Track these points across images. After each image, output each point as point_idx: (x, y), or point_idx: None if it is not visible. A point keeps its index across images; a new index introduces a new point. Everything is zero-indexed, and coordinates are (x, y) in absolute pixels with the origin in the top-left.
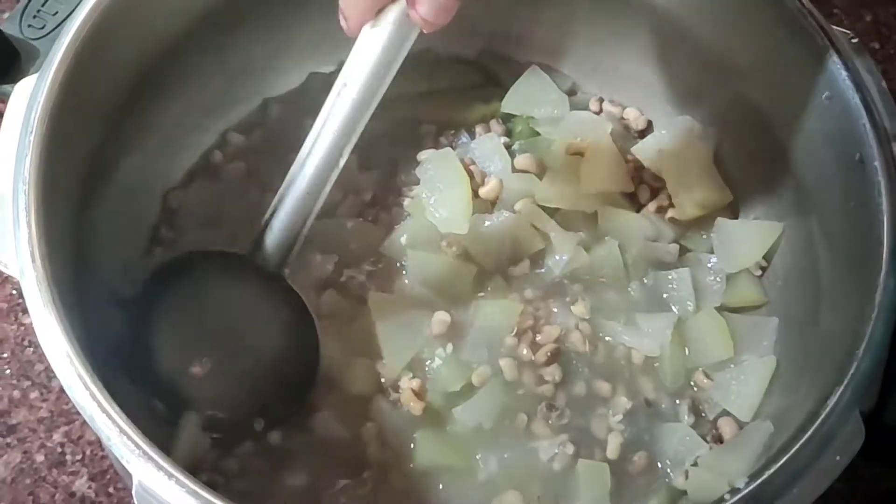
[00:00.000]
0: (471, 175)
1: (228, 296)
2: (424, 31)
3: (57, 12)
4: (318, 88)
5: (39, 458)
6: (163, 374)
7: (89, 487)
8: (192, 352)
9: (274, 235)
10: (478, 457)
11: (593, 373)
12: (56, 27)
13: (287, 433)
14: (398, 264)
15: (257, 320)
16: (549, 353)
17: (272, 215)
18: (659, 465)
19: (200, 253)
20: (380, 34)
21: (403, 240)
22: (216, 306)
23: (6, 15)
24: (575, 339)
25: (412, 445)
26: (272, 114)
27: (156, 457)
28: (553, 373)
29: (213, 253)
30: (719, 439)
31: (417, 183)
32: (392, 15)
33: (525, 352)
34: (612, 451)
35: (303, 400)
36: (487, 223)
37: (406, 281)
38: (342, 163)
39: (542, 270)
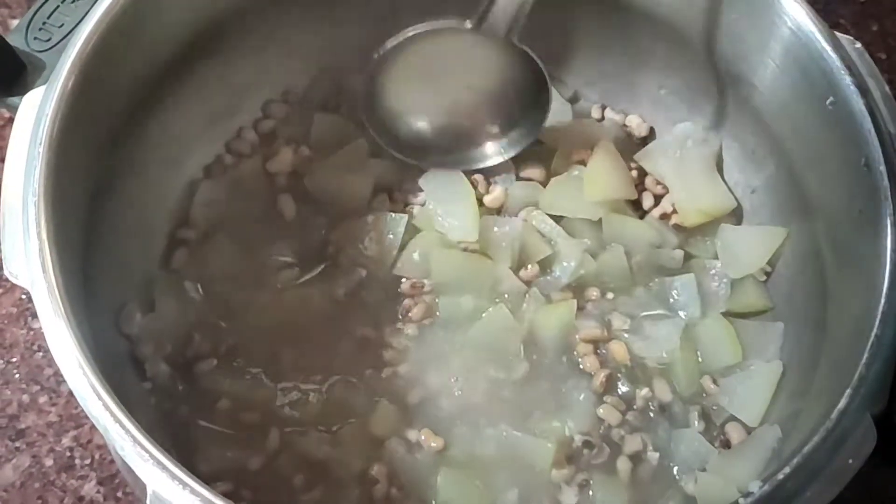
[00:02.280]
0: (475, 184)
1: (461, 60)
2: None
3: (63, 24)
4: (329, 82)
5: (48, 462)
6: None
7: (98, 491)
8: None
9: (501, 5)
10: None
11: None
12: (62, 39)
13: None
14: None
15: (488, 78)
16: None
17: None
18: (672, 470)
19: (421, 32)
20: None
21: (416, 256)
22: (449, 70)
23: (13, 26)
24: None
25: (434, 485)
26: (280, 113)
27: (170, 466)
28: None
29: (436, 29)
30: (727, 444)
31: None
32: None
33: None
34: (628, 454)
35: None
36: (496, 228)
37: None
38: None
39: (550, 277)
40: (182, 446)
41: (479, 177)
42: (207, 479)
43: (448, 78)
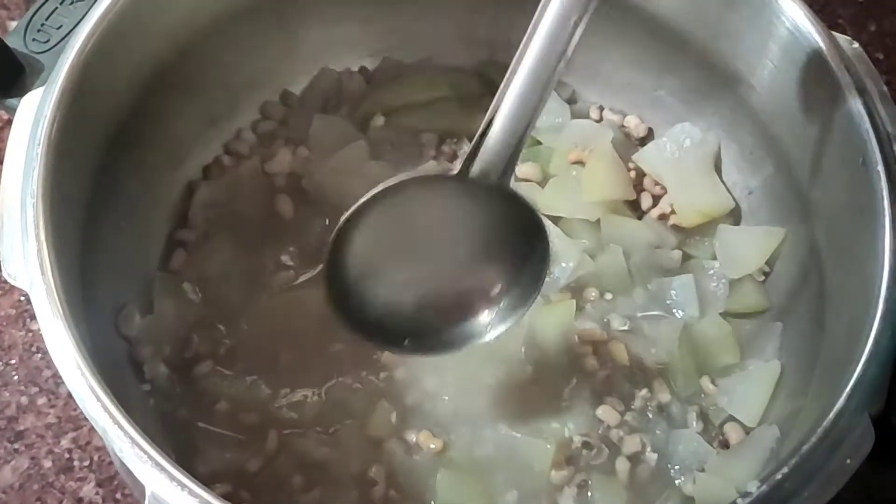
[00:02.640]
0: None
1: (447, 218)
2: None
3: (61, 26)
4: (328, 84)
5: (47, 463)
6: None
7: (97, 493)
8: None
9: (494, 146)
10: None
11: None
12: (60, 41)
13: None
14: None
15: (482, 235)
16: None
17: (487, 127)
18: (670, 471)
19: (401, 183)
20: None
21: None
22: (433, 230)
23: (11, 27)
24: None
25: (433, 486)
26: (279, 114)
27: (169, 468)
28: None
29: (417, 178)
30: (725, 445)
31: None
32: None
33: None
34: (627, 455)
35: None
36: None
37: None
38: (559, 69)
39: (548, 278)
40: (181, 448)
41: None
42: (206, 481)
43: (430, 238)
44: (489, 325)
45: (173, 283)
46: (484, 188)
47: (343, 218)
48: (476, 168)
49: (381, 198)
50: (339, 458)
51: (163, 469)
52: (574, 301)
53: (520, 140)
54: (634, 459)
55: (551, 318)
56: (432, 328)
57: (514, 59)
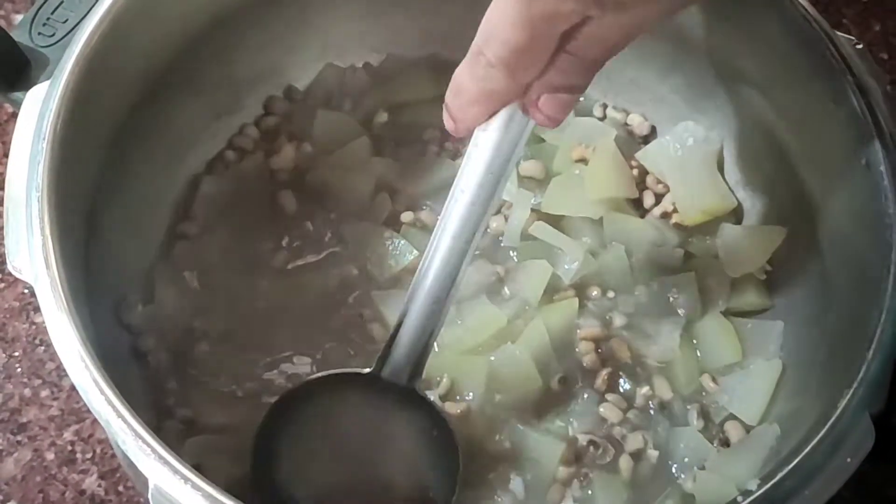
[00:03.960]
0: None
1: (360, 416)
2: (550, 128)
3: (67, 20)
4: (332, 79)
5: (50, 455)
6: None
7: (99, 485)
8: (329, 478)
9: (402, 350)
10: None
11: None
12: (66, 35)
13: None
14: None
15: (395, 437)
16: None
17: (398, 330)
18: (671, 468)
19: (321, 378)
20: (492, 137)
21: None
22: (348, 428)
23: (17, 21)
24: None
25: None
26: (283, 110)
27: (172, 460)
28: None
29: (335, 375)
30: (726, 443)
31: (423, 195)
32: (504, 116)
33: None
34: (630, 452)
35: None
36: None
37: None
38: (463, 269)
39: (552, 278)
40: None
41: None
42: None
43: (348, 438)
44: None
45: (174, 272)
46: (395, 389)
47: (266, 413)
48: (386, 370)
49: (301, 392)
50: None
51: (166, 462)
52: (577, 299)
53: (425, 346)
54: (636, 457)
55: (554, 315)
56: None
57: (420, 267)
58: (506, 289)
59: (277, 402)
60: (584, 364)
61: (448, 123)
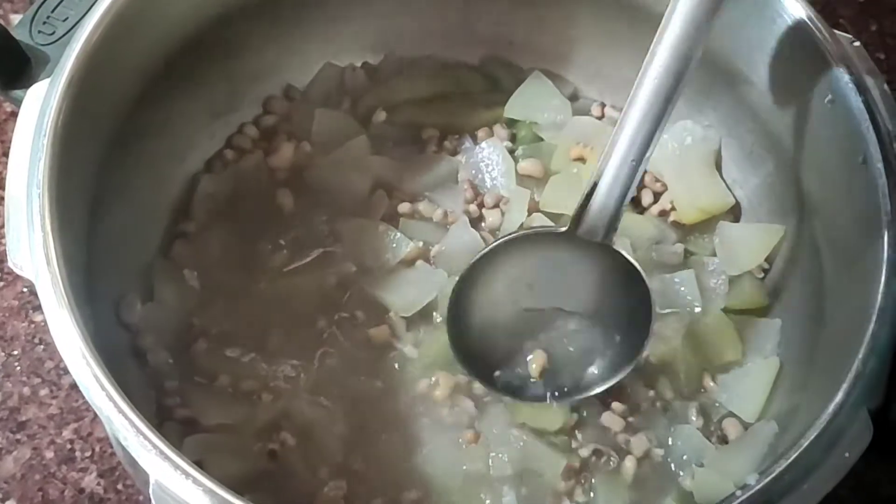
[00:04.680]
0: (476, 191)
1: (558, 271)
2: None
3: (67, 18)
4: (331, 79)
5: (49, 454)
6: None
7: (98, 484)
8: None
9: (597, 208)
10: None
11: None
12: (66, 33)
13: None
14: None
15: (589, 290)
16: None
17: (592, 189)
18: (670, 466)
19: (517, 237)
20: None
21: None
22: (546, 283)
23: (17, 20)
24: None
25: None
26: (282, 109)
27: (173, 456)
28: None
29: (532, 234)
30: (724, 440)
31: (420, 193)
32: None
33: None
34: (636, 456)
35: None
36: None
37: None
38: (660, 131)
39: None
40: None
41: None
42: None
43: (540, 290)
44: (601, 375)
45: (173, 270)
46: (590, 245)
47: (466, 268)
48: (583, 227)
49: (497, 250)
50: None
51: (167, 458)
52: None
53: (620, 204)
54: (640, 459)
55: None
56: (550, 375)
57: (619, 120)
58: None
59: (475, 261)
60: None
61: None
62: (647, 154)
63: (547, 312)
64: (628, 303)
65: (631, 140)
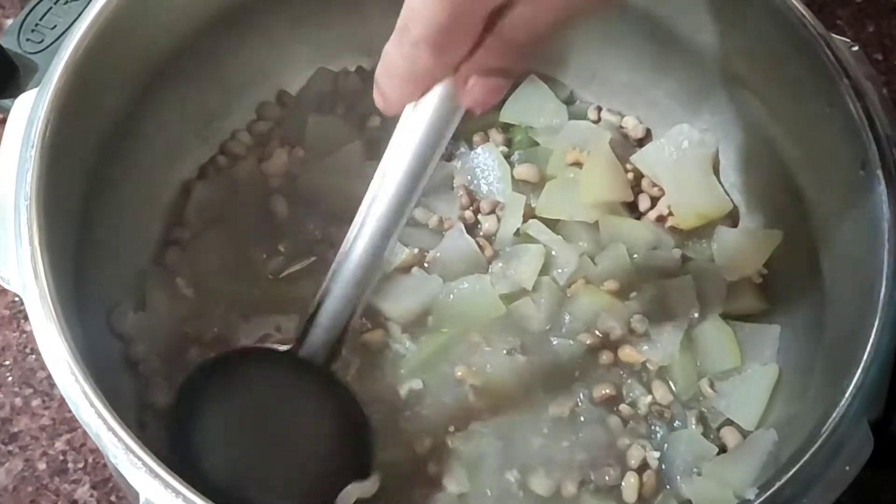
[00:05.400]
0: (471, 197)
1: (275, 393)
2: (477, 113)
3: (55, 26)
4: (324, 84)
5: (41, 465)
6: (211, 475)
7: (91, 496)
8: (240, 452)
9: (321, 330)
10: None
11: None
12: (54, 41)
13: None
14: None
15: (307, 417)
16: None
17: (317, 309)
18: (668, 473)
19: (241, 351)
20: (423, 116)
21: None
22: (263, 404)
23: (5, 27)
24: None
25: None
26: (274, 115)
27: (163, 474)
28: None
29: (254, 350)
30: (723, 448)
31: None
32: (436, 94)
33: None
34: (633, 468)
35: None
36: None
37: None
38: (387, 253)
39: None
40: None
41: (472, 188)
42: None
43: (263, 412)
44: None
45: (166, 278)
46: (311, 368)
47: (184, 379)
48: (304, 349)
49: (219, 363)
50: None
51: (157, 475)
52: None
53: (343, 328)
54: (639, 470)
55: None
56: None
57: (342, 249)
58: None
59: (195, 371)
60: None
61: (378, 100)
62: (374, 277)
63: (276, 441)
64: (349, 435)
65: (358, 264)
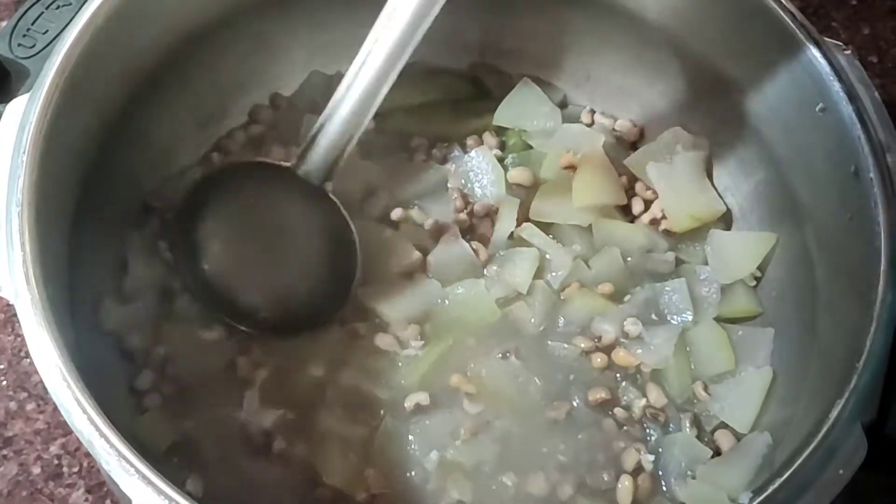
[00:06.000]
0: (465, 200)
1: (273, 205)
2: None
3: (47, 31)
4: (318, 87)
5: (36, 470)
6: (212, 280)
7: (86, 500)
8: (239, 258)
9: (319, 152)
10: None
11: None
12: (46, 46)
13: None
14: None
15: (301, 229)
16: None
17: (318, 131)
18: (663, 476)
19: (245, 164)
20: None
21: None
22: (262, 214)
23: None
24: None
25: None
26: (268, 118)
27: (156, 480)
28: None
29: (258, 164)
30: (717, 451)
31: (410, 201)
32: None
33: None
34: (628, 471)
35: (340, 304)
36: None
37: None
38: (386, 88)
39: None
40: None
41: (466, 192)
42: None
43: (262, 226)
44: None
45: (147, 242)
46: (308, 186)
47: (188, 185)
48: (303, 168)
49: (224, 175)
50: None
51: (149, 482)
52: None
53: (341, 152)
54: (634, 473)
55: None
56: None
57: (344, 82)
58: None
59: (201, 179)
60: (581, 373)
61: None
62: (371, 112)
63: (269, 248)
64: (337, 254)
65: (362, 97)
